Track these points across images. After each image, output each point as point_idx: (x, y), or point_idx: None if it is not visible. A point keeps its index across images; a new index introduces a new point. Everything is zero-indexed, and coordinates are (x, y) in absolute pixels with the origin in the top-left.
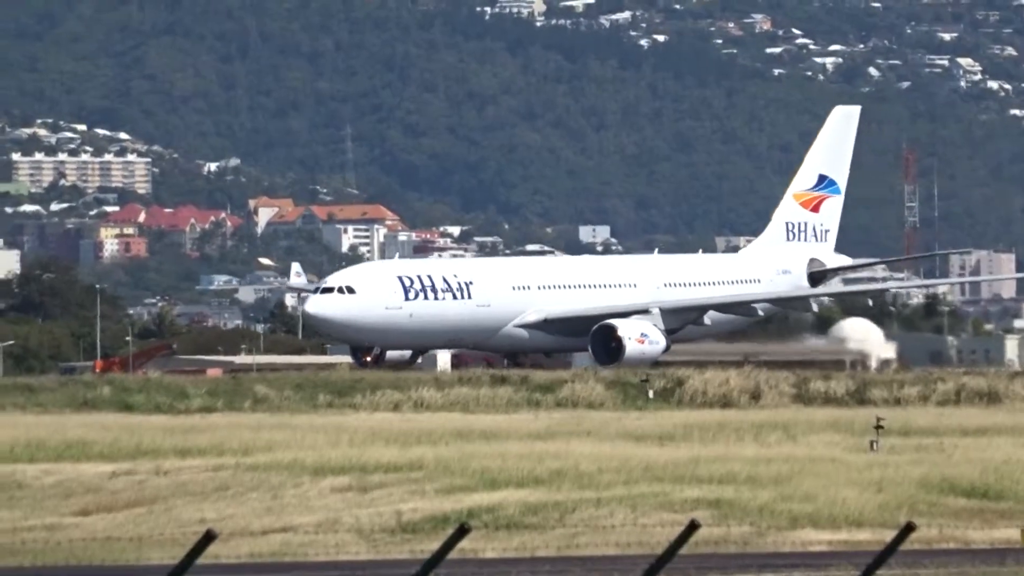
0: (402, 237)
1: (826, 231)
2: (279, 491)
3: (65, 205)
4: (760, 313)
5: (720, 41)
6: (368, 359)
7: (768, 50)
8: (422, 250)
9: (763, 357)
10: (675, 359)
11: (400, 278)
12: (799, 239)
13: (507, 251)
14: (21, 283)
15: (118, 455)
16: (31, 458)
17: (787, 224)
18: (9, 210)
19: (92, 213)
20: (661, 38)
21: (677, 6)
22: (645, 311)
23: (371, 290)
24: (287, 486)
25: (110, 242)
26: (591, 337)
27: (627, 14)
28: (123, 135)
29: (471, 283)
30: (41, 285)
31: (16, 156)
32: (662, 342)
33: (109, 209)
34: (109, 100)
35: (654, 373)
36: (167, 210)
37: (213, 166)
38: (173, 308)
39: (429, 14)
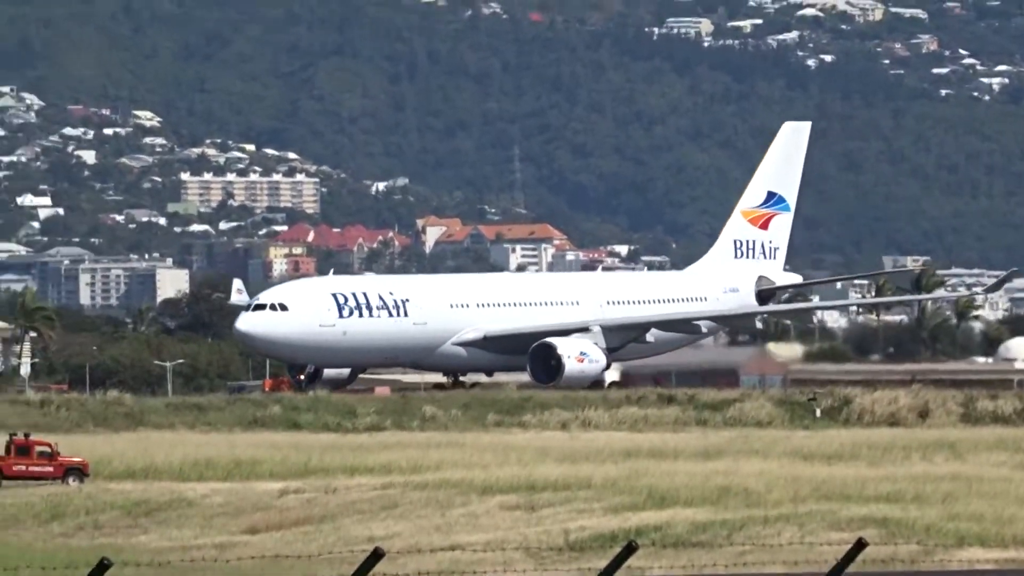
0: (570, 256)
1: (775, 248)
2: (447, 509)
3: (234, 224)
4: (704, 331)
5: (887, 61)
6: (302, 377)
7: (935, 70)
8: (589, 269)
9: (931, 376)
10: (843, 378)
11: (335, 295)
12: (747, 256)
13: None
14: (190, 302)
15: (287, 473)
16: (200, 476)
17: (735, 241)
18: (178, 229)
19: (261, 233)
20: (828, 58)
21: (844, 27)
22: (585, 329)
23: (304, 307)
24: (455, 504)
25: (279, 261)
26: (530, 356)
27: (794, 34)
28: (291, 155)
29: (407, 300)
30: (210, 304)
31: (185, 176)
32: (602, 360)
33: (278, 228)
34: (278, 120)
35: (821, 392)
36: (335, 229)
37: (381, 185)
38: None
39: (597, 34)
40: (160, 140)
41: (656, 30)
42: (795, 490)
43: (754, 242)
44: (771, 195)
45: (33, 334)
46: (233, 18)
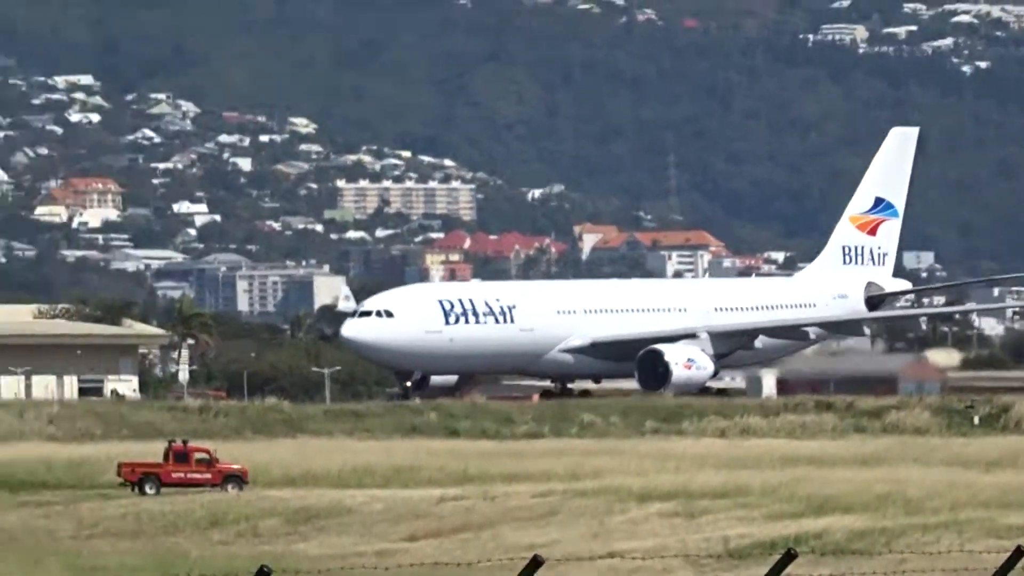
0: (726, 263)
1: (884, 254)
2: (606, 516)
3: (390, 231)
4: (812, 337)
5: None
6: (408, 384)
7: None
8: (745, 275)
9: None
10: (1001, 385)
11: (440, 302)
12: (856, 263)
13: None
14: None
15: (445, 480)
16: (359, 483)
17: (843, 248)
18: (335, 236)
19: (417, 239)
20: (984, 64)
21: (999, 33)
22: (693, 335)
23: (410, 314)
24: (614, 511)
25: (436, 268)
26: (637, 362)
27: (949, 40)
28: (447, 162)
29: (514, 307)
30: None
31: (341, 183)
32: (710, 367)
33: (434, 236)
34: (433, 127)
35: (979, 399)
36: (492, 236)
37: (537, 192)
38: None
39: (752, 41)
40: (316, 147)
41: (811, 37)
42: (954, 497)
43: (862, 248)
44: (879, 201)
45: (191, 341)
46: (389, 25)
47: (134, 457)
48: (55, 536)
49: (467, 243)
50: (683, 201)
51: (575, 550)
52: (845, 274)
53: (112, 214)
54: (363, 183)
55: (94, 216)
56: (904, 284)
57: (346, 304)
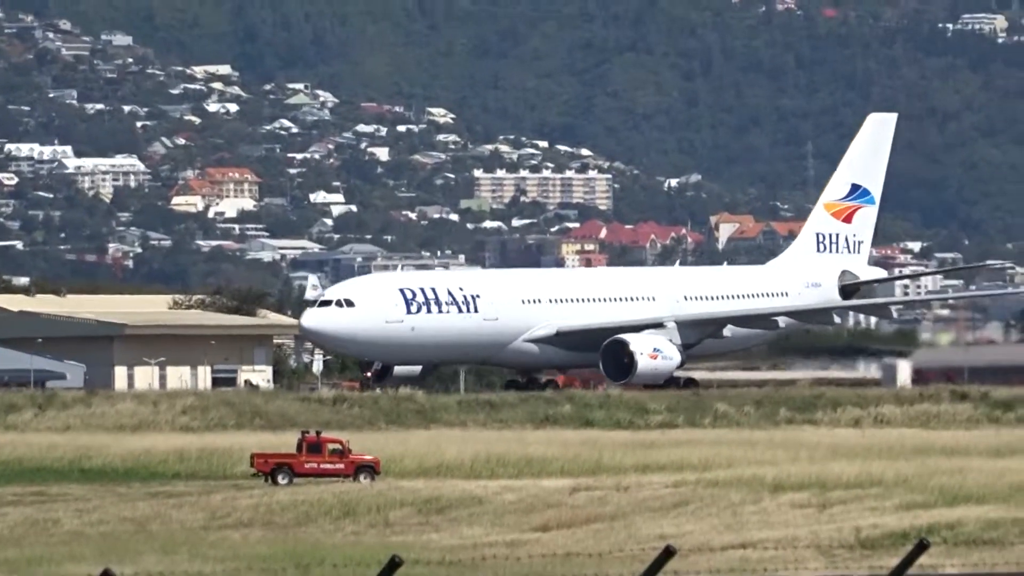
0: None
1: (859, 242)
2: (738, 507)
3: (526, 221)
4: (781, 326)
5: None
6: (369, 374)
7: None
8: (881, 265)
9: None
10: None
11: (402, 291)
12: (830, 251)
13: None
14: None
15: (578, 471)
16: (492, 474)
17: (817, 235)
18: (471, 226)
19: (553, 229)
20: None
21: None
22: (660, 325)
23: (371, 303)
24: (746, 502)
25: (571, 258)
26: (602, 352)
27: None
28: (584, 151)
29: (478, 296)
30: None
31: (478, 173)
32: (676, 357)
33: (570, 225)
34: (571, 117)
35: None
36: (628, 226)
37: (674, 182)
38: None
39: (891, 30)
40: (453, 137)
41: (950, 26)
42: None
43: (837, 236)
44: (855, 188)
45: None
46: (528, 15)
47: (267, 448)
48: (186, 526)
49: (603, 233)
50: (821, 191)
51: (707, 540)
52: (819, 262)
53: (248, 204)
54: (500, 173)
55: (230, 206)
56: (880, 272)
57: (314, 293)
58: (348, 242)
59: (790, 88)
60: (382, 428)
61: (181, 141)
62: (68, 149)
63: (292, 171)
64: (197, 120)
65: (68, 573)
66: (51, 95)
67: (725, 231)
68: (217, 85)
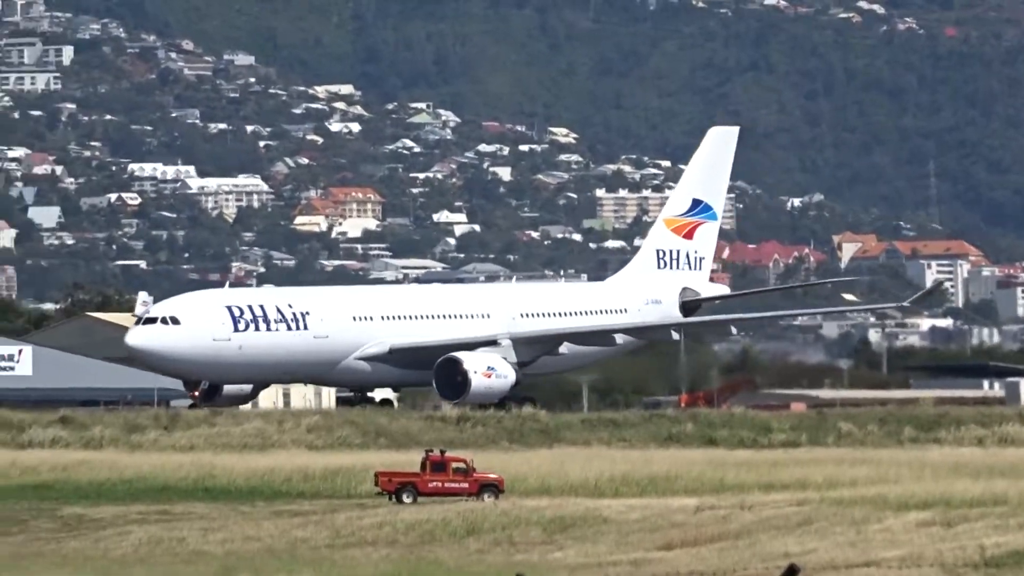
0: (985, 272)
1: (701, 259)
2: (863, 525)
3: None
4: (620, 343)
5: None
6: (196, 394)
7: None
8: (1005, 285)
9: None
10: None
11: (229, 308)
12: (671, 267)
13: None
14: None
15: (702, 489)
16: (616, 492)
17: (658, 251)
18: (593, 246)
19: None
20: None
21: None
22: (494, 342)
23: (197, 321)
24: (871, 520)
25: None
26: (435, 370)
27: None
28: None
29: (307, 313)
30: None
31: (600, 192)
32: (511, 375)
33: None
34: (693, 136)
35: None
36: (751, 246)
37: (797, 201)
38: (756, 343)
39: (1012, 50)
40: (575, 157)
41: None
42: None
43: (678, 252)
44: (696, 203)
45: None
46: (650, 34)
47: (391, 467)
48: (310, 545)
49: (726, 252)
50: (943, 210)
51: (831, 558)
52: (659, 279)
53: (371, 224)
54: (622, 192)
55: (353, 226)
56: (723, 289)
57: (142, 310)
58: (471, 261)
59: (912, 107)
60: (505, 447)
61: (304, 161)
62: (191, 169)
63: (415, 191)
64: (320, 140)
65: None
66: (174, 115)
67: (848, 250)
68: (339, 105)
